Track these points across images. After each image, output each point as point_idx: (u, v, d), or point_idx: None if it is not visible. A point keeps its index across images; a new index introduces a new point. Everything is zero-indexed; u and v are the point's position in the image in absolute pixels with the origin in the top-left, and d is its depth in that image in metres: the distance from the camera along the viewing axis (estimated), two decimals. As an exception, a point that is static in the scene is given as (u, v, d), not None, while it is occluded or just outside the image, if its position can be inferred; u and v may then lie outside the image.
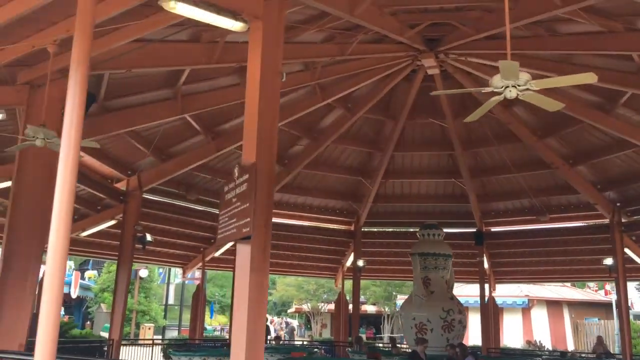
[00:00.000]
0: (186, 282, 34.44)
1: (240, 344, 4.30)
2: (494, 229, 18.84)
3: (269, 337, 19.91)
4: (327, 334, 34.43)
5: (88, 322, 24.51)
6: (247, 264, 4.47)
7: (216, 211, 17.65)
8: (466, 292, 24.78)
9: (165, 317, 34.70)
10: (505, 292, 25.61)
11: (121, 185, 14.67)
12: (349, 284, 19.48)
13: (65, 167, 3.22)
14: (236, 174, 4.74)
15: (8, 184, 11.06)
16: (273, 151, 4.87)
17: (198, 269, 19.81)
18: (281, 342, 22.31)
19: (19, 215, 7.70)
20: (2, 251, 7.61)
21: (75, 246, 17.08)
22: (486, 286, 18.19)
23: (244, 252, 4.57)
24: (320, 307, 36.13)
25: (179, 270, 37.06)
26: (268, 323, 24.06)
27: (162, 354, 17.23)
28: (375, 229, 20.24)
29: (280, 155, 16.31)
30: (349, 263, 19.96)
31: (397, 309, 33.72)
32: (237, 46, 10.07)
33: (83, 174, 12.83)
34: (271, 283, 55.90)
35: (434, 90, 13.96)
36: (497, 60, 11.43)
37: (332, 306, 34.64)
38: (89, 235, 15.95)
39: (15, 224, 7.66)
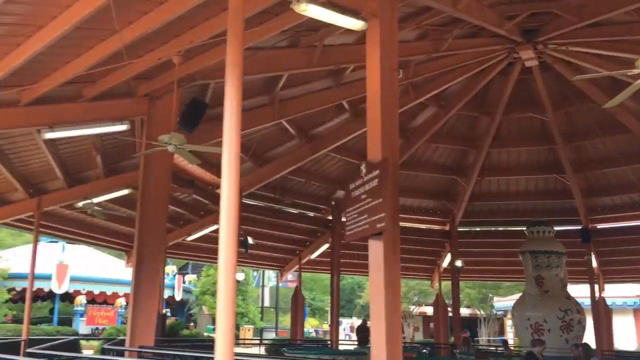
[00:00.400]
0: (280, 284, 35.26)
1: (380, 339, 4.40)
2: (600, 226, 17.83)
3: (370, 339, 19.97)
4: (419, 337, 33.96)
5: (192, 324, 25.73)
6: (380, 259, 4.57)
7: (311, 214, 18.22)
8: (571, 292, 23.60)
9: (262, 319, 35.71)
10: (615, 293, 24.11)
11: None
12: (443, 285, 19.17)
13: (230, 173, 3.43)
14: (364, 171, 4.84)
15: (124, 192, 11.93)
16: (396, 147, 4.95)
17: (295, 271, 20.24)
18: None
19: (147, 220, 8.25)
20: (135, 255, 8.18)
21: (182, 250, 18.07)
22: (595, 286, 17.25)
23: (376, 248, 4.67)
24: (411, 309, 35.70)
25: (272, 274, 38.19)
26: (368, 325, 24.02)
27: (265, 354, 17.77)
28: (472, 229, 19.75)
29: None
30: (445, 264, 19.63)
31: (494, 312, 32.72)
32: (334, 49, 10.27)
33: (188, 181, 13.52)
34: (357, 286, 55.97)
35: (531, 83, 13.67)
36: (601, 48, 10.93)
37: (423, 309, 34.21)
38: (194, 240, 16.79)
39: (143, 229, 8.21)
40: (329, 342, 18.13)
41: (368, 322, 24.22)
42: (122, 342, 10.32)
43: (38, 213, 11.65)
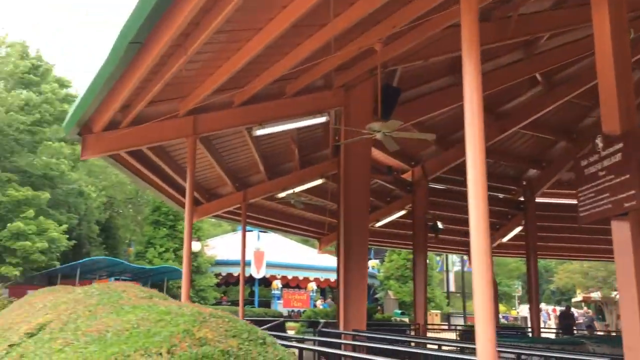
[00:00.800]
0: (466, 269, 34.46)
1: (634, 330, 4.01)
2: None
3: (574, 328, 18.68)
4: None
5: (379, 308, 26.31)
6: (628, 243, 4.14)
7: (500, 196, 17.37)
8: None
9: (448, 304, 35.27)
10: None
11: (406, 176, 15.25)
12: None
13: (475, 156, 3.35)
14: (600, 145, 4.41)
15: (318, 182, 12.48)
16: (634, 116, 4.43)
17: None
18: (594, 332, 20.80)
19: (350, 208, 8.52)
20: (342, 243, 8.50)
21: (372, 237, 18.49)
22: None
23: (622, 230, 4.25)
24: (613, 295, 32.46)
25: (455, 258, 37.41)
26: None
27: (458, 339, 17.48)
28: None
29: (569, 129, 15.08)
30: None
31: None
32: (527, 18, 9.58)
33: (379, 168, 13.68)
34: (544, 270, 52.26)
35: None
36: None
37: (628, 295, 30.85)
38: (382, 226, 17.03)
39: (348, 217, 8.49)
40: (529, 330, 17.18)
41: (572, 309, 22.56)
42: (326, 325, 10.85)
43: (244, 205, 12.68)
